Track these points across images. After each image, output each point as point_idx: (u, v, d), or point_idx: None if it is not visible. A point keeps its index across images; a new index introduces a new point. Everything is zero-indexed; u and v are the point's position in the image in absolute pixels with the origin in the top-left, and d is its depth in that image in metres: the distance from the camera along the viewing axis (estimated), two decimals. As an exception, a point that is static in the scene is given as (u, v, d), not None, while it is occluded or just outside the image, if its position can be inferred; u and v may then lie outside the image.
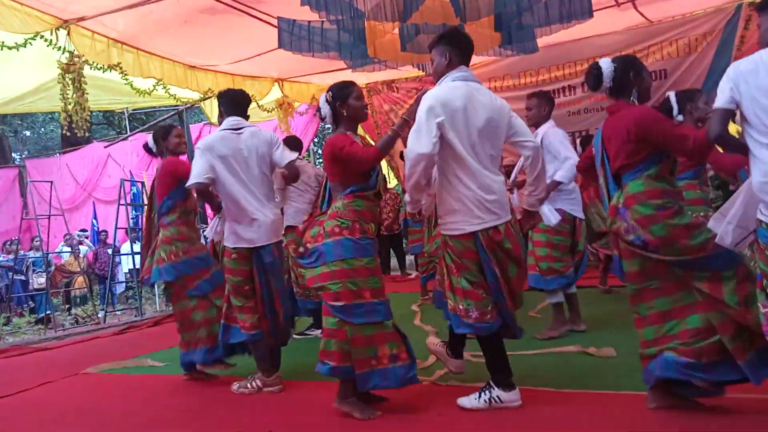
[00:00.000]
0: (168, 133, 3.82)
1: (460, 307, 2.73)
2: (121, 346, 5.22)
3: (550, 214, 3.68)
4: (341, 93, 2.90)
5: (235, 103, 3.48)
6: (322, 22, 4.80)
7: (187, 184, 3.35)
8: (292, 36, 4.99)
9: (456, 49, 2.79)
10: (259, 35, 5.74)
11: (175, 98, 6.64)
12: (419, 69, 5.99)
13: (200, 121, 11.36)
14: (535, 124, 4.09)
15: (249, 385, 3.39)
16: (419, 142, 2.62)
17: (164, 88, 6.25)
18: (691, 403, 2.51)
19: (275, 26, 5.05)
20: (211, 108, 7.47)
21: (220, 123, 3.52)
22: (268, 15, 5.41)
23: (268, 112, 7.79)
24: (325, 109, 2.94)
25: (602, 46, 6.88)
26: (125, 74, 5.62)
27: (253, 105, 7.32)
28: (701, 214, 3.66)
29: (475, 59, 6.85)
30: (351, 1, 4.55)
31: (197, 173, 3.27)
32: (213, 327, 3.62)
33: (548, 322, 4.26)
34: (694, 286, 2.40)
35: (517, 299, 2.81)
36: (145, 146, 3.94)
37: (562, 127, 4.30)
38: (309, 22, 4.89)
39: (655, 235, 2.42)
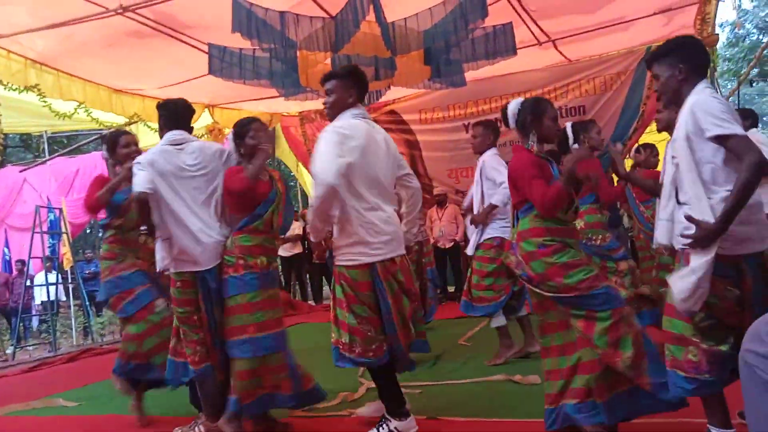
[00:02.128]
0: (115, 143, 3.51)
1: (343, 341, 2.75)
2: (31, 386, 4.86)
3: (471, 246, 4.00)
4: (239, 131, 3.06)
5: (175, 115, 3.18)
6: (254, 50, 4.78)
7: (133, 190, 3.00)
8: (222, 63, 4.93)
9: (359, 89, 2.91)
10: (189, 60, 5.64)
11: (98, 122, 6.39)
12: (351, 99, 6.04)
13: (125, 146, 10.93)
14: (479, 151, 4.23)
15: (192, 431, 3.06)
16: (328, 172, 2.66)
17: (86, 111, 6.01)
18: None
19: (206, 52, 4.98)
20: (137, 133, 7.23)
21: (161, 137, 3.20)
22: (197, 41, 5.34)
23: (198, 138, 7.62)
24: (231, 145, 3.08)
25: (526, 82, 7.21)
26: (43, 96, 5.37)
27: (241, 119, 7.18)
28: (599, 236, 3.89)
29: (405, 91, 7.13)
30: (283, 31, 4.57)
31: (139, 183, 2.95)
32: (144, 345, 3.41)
33: (477, 350, 4.33)
34: (572, 323, 2.48)
35: (409, 331, 2.85)
36: (103, 157, 3.67)
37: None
38: (240, 49, 4.85)
39: (534, 271, 2.51)
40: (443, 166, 7.86)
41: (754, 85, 19.50)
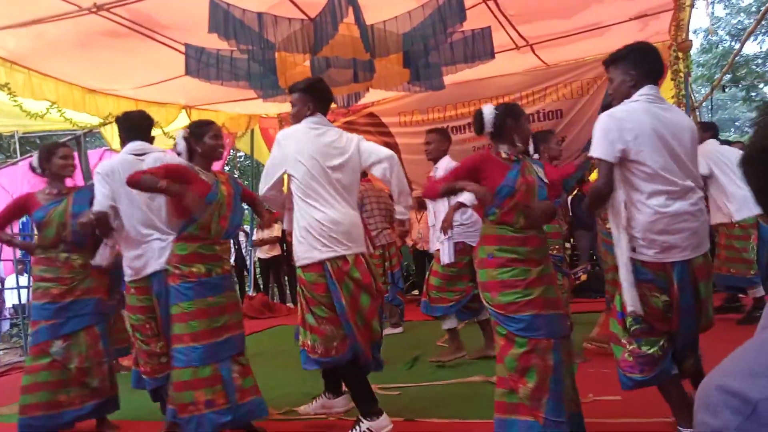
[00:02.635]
0: (52, 153, 3.38)
1: (308, 342, 2.79)
2: (0, 391, 4.75)
3: (446, 253, 4.02)
4: (198, 130, 3.05)
5: (134, 127, 3.30)
6: (232, 51, 4.73)
7: (93, 210, 3.08)
8: (199, 63, 4.87)
9: (318, 101, 3.03)
10: (165, 61, 5.56)
11: (71, 122, 6.26)
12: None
13: (100, 147, 10.79)
14: (434, 158, 4.38)
15: None
16: (262, 186, 2.91)
17: (59, 111, 5.89)
18: None
19: (182, 52, 4.92)
20: (112, 133, 7.11)
21: (122, 147, 3.32)
22: (174, 41, 5.27)
23: (174, 139, 7.53)
24: (181, 145, 3.05)
25: (504, 86, 7.26)
26: (14, 95, 5.25)
27: (158, 131, 7.09)
28: (556, 246, 3.89)
29: (384, 94, 7.12)
30: (261, 32, 4.53)
31: (100, 200, 3.05)
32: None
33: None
34: (495, 338, 2.56)
35: (370, 330, 2.87)
36: (30, 166, 3.52)
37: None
38: (218, 50, 4.80)
39: (480, 279, 2.59)
40: (423, 169, 7.83)
41: (726, 90, 19.92)
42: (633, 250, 2.30)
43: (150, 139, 3.34)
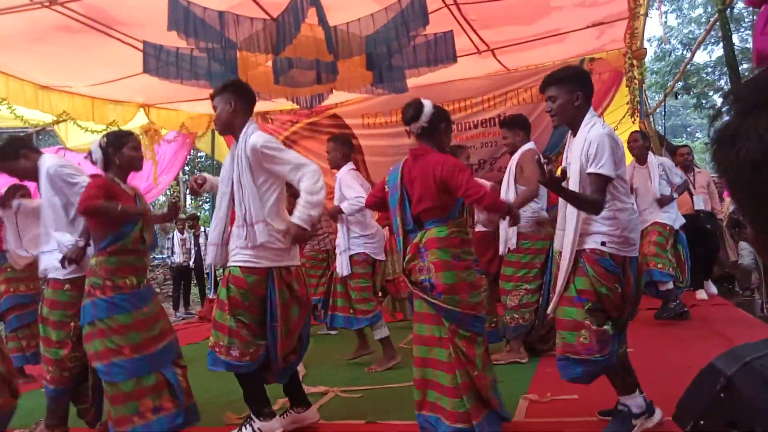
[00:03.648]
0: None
1: (221, 344, 2.74)
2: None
3: (343, 265, 4.25)
4: (116, 141, 2.94)
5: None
6: (192, 49, 4.65)
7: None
8: (158, 61, 4.76)
9: (243, 100, 2.92)
10: (123, 58, 5.42)
11: (22, 120, 6.04)
12: (293, 102, 5.99)
13: (54, 145, 10.46)
14: (335, 166, 4.45)
15: None
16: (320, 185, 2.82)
17: (9, 108, 5.67)
18: None
19: (140, 50, 4.80)
20: (66, 132, 6.90)
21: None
22: (132, 38, 5.14)
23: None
24: (97, 154, 2.92)
25: (466, 90, 7.34)
26: (-39, 91, 5.04)
27: (114, 130, 6.91)
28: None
29: (348, 96, 7.12)
30: (222, 31, 4.46)
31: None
32: None
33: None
34: (454, 342, 2.55)
35: (292, 341, 2.88)
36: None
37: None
38: (177, 48, 4.71)
39: (443, 281, 2.57)
40: (385, 171, 7.85)
41: (678, 97, 20.63)
42: (603, 244, 2.45)
43: None
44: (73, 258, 2.98)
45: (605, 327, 2.44)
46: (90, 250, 2.99)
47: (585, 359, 2.43)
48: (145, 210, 2.96)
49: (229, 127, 2.90)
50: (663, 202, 5.19)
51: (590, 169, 2.43)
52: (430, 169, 2.64)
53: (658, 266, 5.06)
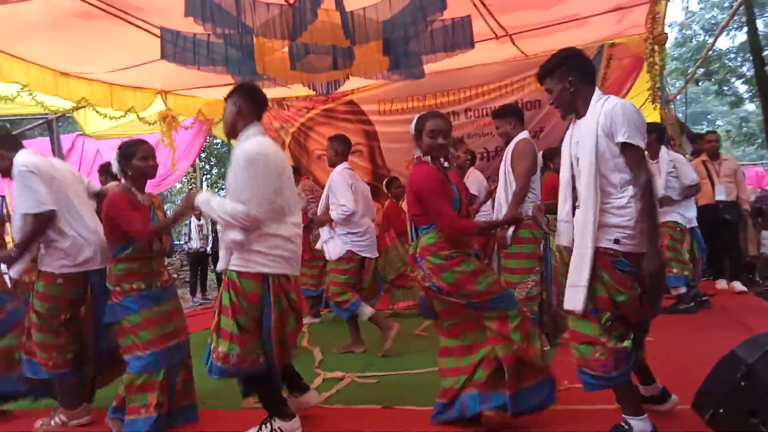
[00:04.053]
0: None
1: (220, 350, 2.68)
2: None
3: (332, 250, 4.44)
4: (126, 152, 3.05)
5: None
6: (208, 35, 4.65)
7: (36, 210, 3.07)
8: (176, 47, 4.77)
9: (250, 104, 2.86)
10: (140, 44, 5.44)
11: (43, 106, 6.10)
12: (309, 88, 5.98)
13: (73, 132, 10.57)
14: (331, 164, 4.57)
15: (53, 422, 3.18)
16: (259, 206, 2.66)
17: (30, 94, 5.73)
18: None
19: (158, 36, 4.81)
20: (85, 118, 6.96)
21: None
22: (149, 24, 5.16)
23: (150, 125, 7.39)
24: (116, 167, 3.09)
25: (483, 76, 7.27)
26: (-18, 78, 5.10)
27: (133, 117, 6.96)
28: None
29: (364, 82, 7.09)
30: (239, 17, 4.46)
31: (44, 201, 3.08)
32: None
33: (433, 340, 4.36)
34: (486, 324, 2.67)
35: (286, 353, 2.85)
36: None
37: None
38: (194, 34, 4.71)
39: (446, 281, 2.67)
40: (402, 158, 7.87)
41: (700, 84, 20.27)
42: (616, 242, 2.26)
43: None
44: (3, 261, 3.22)
45: (624, 344, 2.28)
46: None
47: (600, 376, 2.31)
48: (166, 223, 3.12)
49: (233, 128, 2.86)
50: (663, 202, 4.86)
51: (624, 138, 2.22)
52: (411, 180, 2.82)
53: (673, 271, 5.00)
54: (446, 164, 2.87)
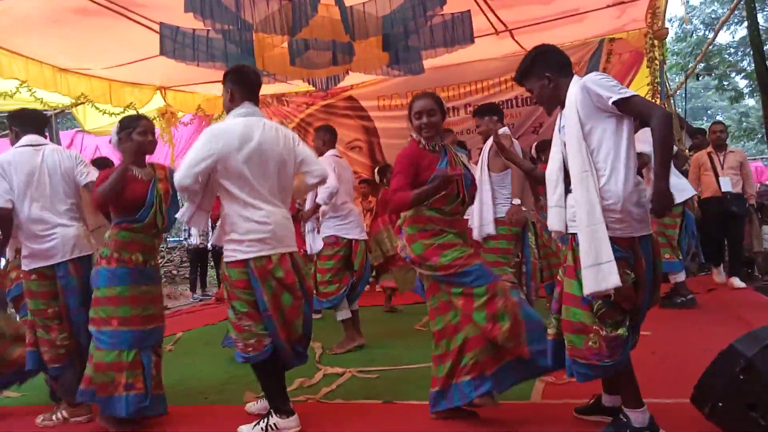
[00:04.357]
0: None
1: (233, 336, 2.82)
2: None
3: (313, 243, 4.45)
4: (126, 126, 3.07)
5: (31, 121, 3.34)
6: (208, 31, 4.64)
7: None
8: (175, 43, 4.77)
9: (238, 86, 2.87)
10: (140, 40, 5.44)
11: (42, 102, 6.10)
12: (309, 84, 5.97)
13: (72, 128, 10.56)
14: (319, 154, 4.51)
15: (54, 417, 3.19)
16: (183, 173, 2.70)
17: (29, 90, 5.73)
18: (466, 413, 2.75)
19: (157, 32, 4.81)
20: (84, 114, 6.96)
21: (13, 144, 3.31)
22: (148, 20, 5.15)
23: (151, 120, 7.38)
24: (114, 139, 3.10)
25: (483, 71, 7.27)
26: (-19, 74, 5.09)
27: (132, 113, 6.96)
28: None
29: (364, 77, 7.08)
30: (238, 12, 4.45)
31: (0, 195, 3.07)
32: None
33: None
34: (453, 302, 2.66)
35: (292, 328, 2.83)
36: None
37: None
38: (194, 30, 4.71)
39: (414, 252, 2.75)
40: (401, 153, 7.90)
41: (700, 79, 20.27)
42: (606, 227, 2.18)
43: (44, 134, 3.40)
44: None
45: (619, 332, 2.21)
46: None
47: (594, 364, 2.23)
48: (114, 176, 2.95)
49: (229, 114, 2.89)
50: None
51: (619, 96, 2.17)
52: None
53: (665, 257, 4.86)
54: (435, 144, 2.86)
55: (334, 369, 3.81)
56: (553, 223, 2.42)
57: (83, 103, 6.40)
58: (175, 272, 12.76)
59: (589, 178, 2.22)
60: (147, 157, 3.16)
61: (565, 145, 2.35)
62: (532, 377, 2.78)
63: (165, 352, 4.81)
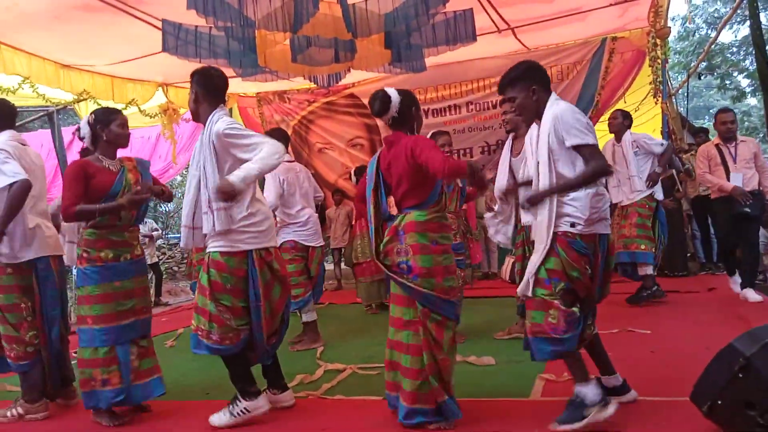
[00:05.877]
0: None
1: (203, 328, 2.82)
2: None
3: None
4: (104, 117, 3.06)
5: (9, 117, 3.31)
6: (210, 27, 4.65)
7: (12, 180, 2.98)
8: (177, 40, 4.77)
9: (202, 88, 2.92)
10: (142, 37, 5.44)
11: (44, 98, 6.11)
12: (311, 81, 5.98)
13: (74, 124, 10.57)
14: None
15: (9, 414, 3.18)
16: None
17: (32, 86, 5.74)
18: None
19: (159, 28, 4.82)
20: (86, 111, 6.94)
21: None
22: (151, 16, 5.16)
23: (151, 117, 7.39)
24: (85, 130, 3.06)
25: (486, 69, 7.26)
26: (-16, 70, 5.10)
27: (134, 110, 6.96)
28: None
29: (365, 75, 7.08)
30: (240, 9, 4.45)
31: (18, 172, 3.00)
32: None
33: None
34: (425, 324, 2.63)
35: (275, 320, 2.93)
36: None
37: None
38: (196, 26, 4.71)
39: (420, 264, 2.64)
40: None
41: (702, 78, 20.20)
42: (573, 225, 2.47)
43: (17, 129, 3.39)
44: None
45: (573, 309, 2.48)
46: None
47: (553, 338, 2.46)
48: (121, 204, 2.96)
49: (196, 115, 2.97)
50: (653, 179, 5.07)
51: (574, 142, 2.44)
52: (402, 150, 2.70)
53: (641, 247, 5.01)
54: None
55: (334, 365, 3.82)
56: (527, 217, 2.78)
57: (85, 99, 6.39)
58: (175, 269, 12.79)
59: (545, 204, 2.52)
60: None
61: (537, 161, 2.59)
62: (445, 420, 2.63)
63: (166, 348, 4.86)
